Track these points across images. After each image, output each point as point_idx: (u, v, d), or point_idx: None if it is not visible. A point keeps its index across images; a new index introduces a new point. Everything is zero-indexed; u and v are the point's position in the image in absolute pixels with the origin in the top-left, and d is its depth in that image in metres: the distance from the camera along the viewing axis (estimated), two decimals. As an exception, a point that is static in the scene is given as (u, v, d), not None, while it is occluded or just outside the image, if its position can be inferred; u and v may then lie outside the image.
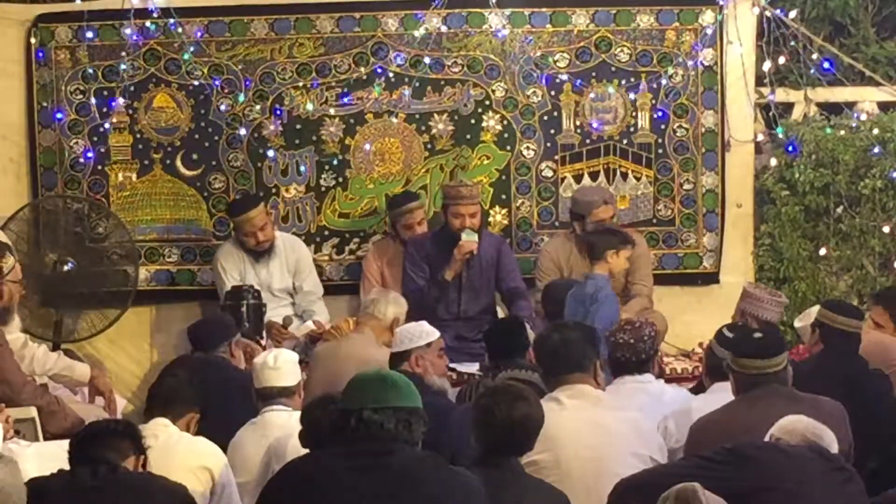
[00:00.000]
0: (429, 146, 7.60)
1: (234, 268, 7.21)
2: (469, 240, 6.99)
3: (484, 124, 7.60)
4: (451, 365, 6.69)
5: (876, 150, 7.50)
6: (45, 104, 7.45)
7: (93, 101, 7.45)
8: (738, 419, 4.49)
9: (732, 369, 4.65)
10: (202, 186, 7.59)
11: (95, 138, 7.49)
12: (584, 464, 4.45)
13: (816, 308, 6.04)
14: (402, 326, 5.69)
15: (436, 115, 7.58)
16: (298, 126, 7.56)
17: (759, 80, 7.65)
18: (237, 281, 7.12)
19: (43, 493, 3.63)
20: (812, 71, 7.56)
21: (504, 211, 7.64)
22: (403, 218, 7.31)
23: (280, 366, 5.18)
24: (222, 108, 7.49)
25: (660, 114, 7.57)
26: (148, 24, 7.36)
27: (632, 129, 7.60)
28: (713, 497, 3.46)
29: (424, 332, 5.51)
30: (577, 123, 7.60)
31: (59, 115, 7.41)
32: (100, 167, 7.53)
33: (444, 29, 7.46)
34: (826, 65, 7.54)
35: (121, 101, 7.45)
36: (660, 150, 7.62)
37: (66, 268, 7.12)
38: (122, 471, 3.72)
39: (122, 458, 3.85)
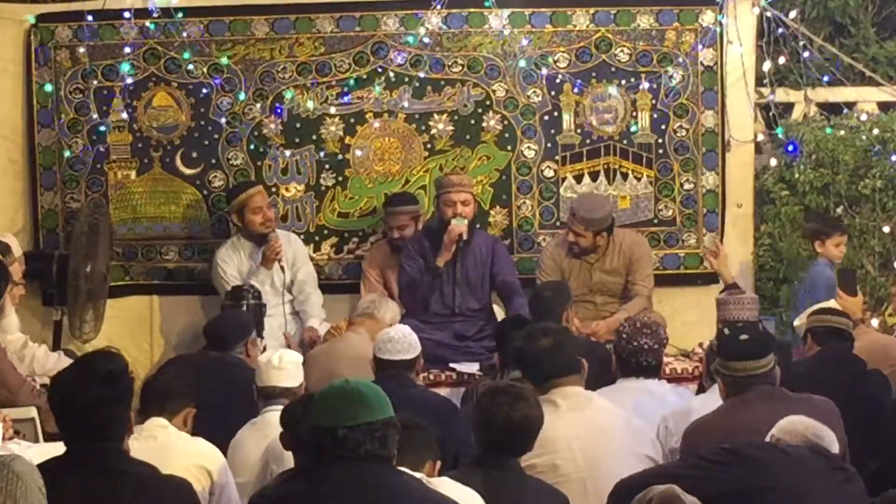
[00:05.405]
0: (428, 146, 7.59)
1: (234, 267, 7.21)
2: (458, 223, 6.97)
3: (484, 124, 7.59)
4: (452, 365, 6.72)
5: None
6: (44, 104, 7.45)
7: (92, 100, 7.45)
8: (729, 421, 4.46)
9: (721, 373, 4.57)
10: (202, 185, 7.59)
11: (94, 137, 7.49)
12: (581, 465, 4.45)
13: (809, 309, 6.07)
14: (399, 331, 5.58)
15: (436, 115, 7.58)
16: (298, 125, 7.56)
17: (759, 80, 7.65)
18: (237, 280, 7.12)
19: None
20: (813, 69, 7.57)
21: (504, 211, 7.64)
22: (394, 219, 7.31)
23: (285, 366, 5.15)
24: (222, 106, 7.49)
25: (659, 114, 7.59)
26: (148, 23, 7.36)
27: (632, 129, 7.60)
28: (692, 499, 3.45)
29: (415, 338, 5.52)
30: (578, 123, 7.60)
31: (59, 118, 7.43)
32: (98, 166, 7.53)
33: (444, 28, 7.47)
34: (828, 64, 7.56)
35: (120, 99, 7.45)
36: (660, 151, 7.62)
37: (87, 269, 7.10)
38: (131, 462, 3.64)
39: None
